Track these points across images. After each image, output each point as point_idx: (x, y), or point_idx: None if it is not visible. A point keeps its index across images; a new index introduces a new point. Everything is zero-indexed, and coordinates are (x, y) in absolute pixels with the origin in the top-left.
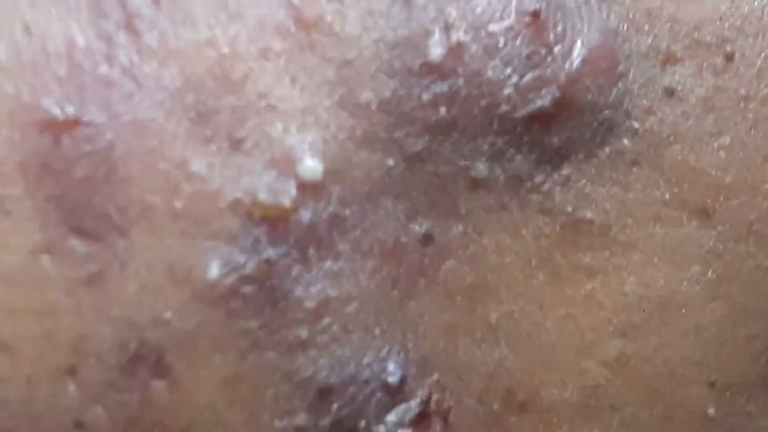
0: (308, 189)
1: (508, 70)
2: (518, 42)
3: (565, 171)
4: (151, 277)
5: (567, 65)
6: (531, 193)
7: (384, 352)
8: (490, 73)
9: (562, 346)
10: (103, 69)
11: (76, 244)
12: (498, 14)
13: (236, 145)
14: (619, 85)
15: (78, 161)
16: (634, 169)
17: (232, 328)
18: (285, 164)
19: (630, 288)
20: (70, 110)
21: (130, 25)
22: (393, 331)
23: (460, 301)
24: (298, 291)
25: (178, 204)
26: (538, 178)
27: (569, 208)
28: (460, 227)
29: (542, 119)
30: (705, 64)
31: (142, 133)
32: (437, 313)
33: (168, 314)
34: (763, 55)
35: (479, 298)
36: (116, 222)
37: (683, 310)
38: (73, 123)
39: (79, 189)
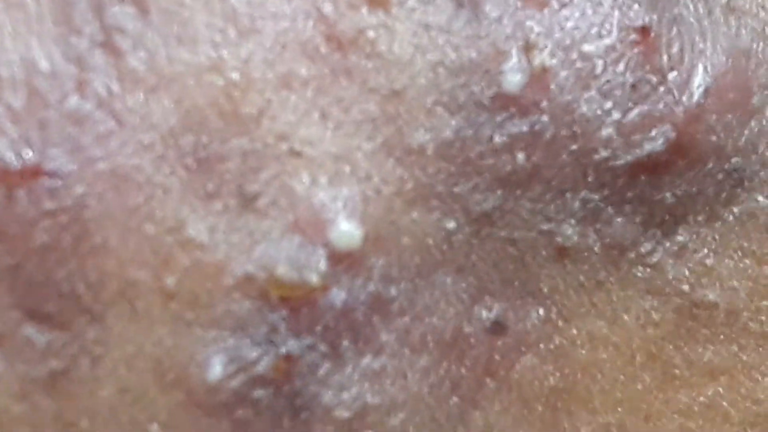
0: (342, 261)
1: (608, 105)
2: (621, 67)
3: (681, 238)
4: (133, 377)
5: (685, 98)
6: (635, 267)
7: None
8: (584, 108)
9: None
10: (73, 101)
11: (34, 332)
12: (595, 30)
13: (248, 202)
14: (753, 123)
15: (38, 223)
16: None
17: None
18: (312, 228)
19: (765, 394)
20: (29, 155)
21: (108, 43)
22: None
23: (541, 410)
24: (328, 397)
25: (170, 280)
26: (645, 247)
27: (686, 287)
28: (542, 312)
29: (652, 169)
30: None
31: (122, 187)
32: (510, 426)
33: (154, 427)
34: None
35: (566, 407)
36: (87, 304)
37: None
38: (32, 172)
39: (39, 260)
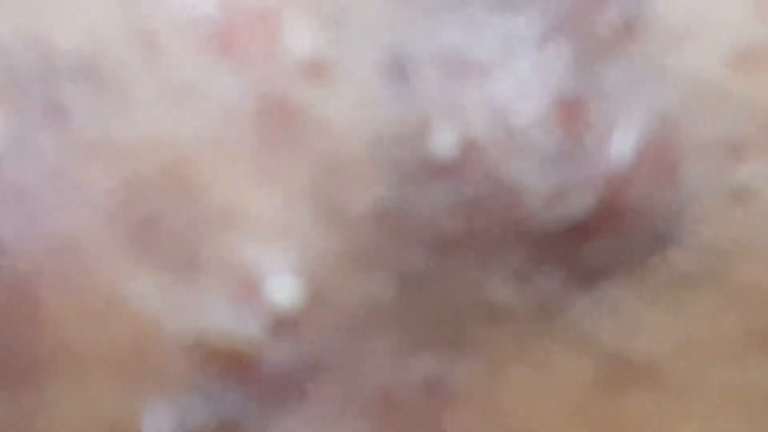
0: (281, 323)
1: (531, 172)
2: (546, 134)
3: (605, 294)
4: None
5: (606, 163)
6: (560, 323)
7: None
8: (509, 175)
9: None
10: (18, 171)
11: None
12: (521, 102)
13: (190, 267)
14: (676, 186)
15: None
16: (694, 293)
17: None
18: (252, 291)
19: None
20: None
21: (56, 115)
22: None
23: None
24: None
25: (113, 345)
26: (569, 304)
27: (609, 342)
28: (474, 370)
29: (576, 232)
30: None
31: (65, 254)
32: None
33: None
34: None
35: None
36: (29, 370)
37: None
38: None
39: None
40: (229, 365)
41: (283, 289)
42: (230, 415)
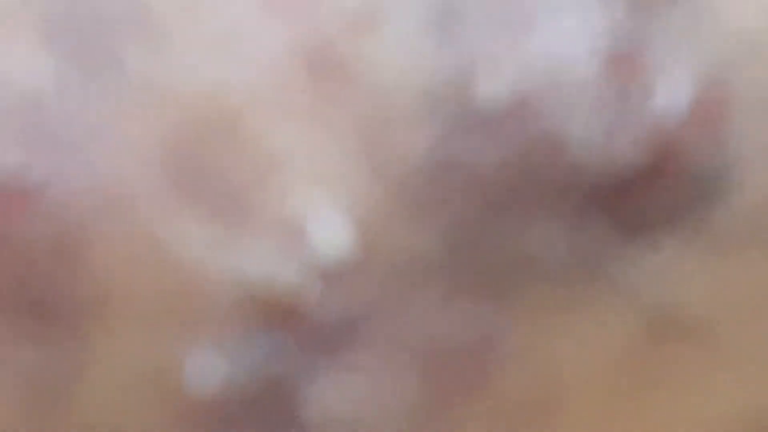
0: (330, 274)
1: (582, 125)
2: (595, 86)
3: (652, 252)
4: (118, 390)
5: (657, 118)
6: (606, 282)
7: None
8: (558, 128)
9: None
10: (68, 116)
11: (11, 346)
12: (570, 50)
13: (240, 219)
14: (725, 143)
15: (13, 231)
16: (737, 252)
17: None
18: (300, 240)
19: (741, 407)
20: (26, 177)
21: (110, 62)
22: None
23: (519, 423)
24: (315, 413)
25: (155, 294)
26: (618, 262)
27: (656, 300)
28: (520, 324)
29: (624, 187)
30: None
31: (111, 203)
32: None
33: None
34: None
35: (544, 419)
36: (68, 317)
37: None
38: (26, 195)
39: (14, 270)
40: (276, 314)
41: (332, 238)
42: (276, 366)
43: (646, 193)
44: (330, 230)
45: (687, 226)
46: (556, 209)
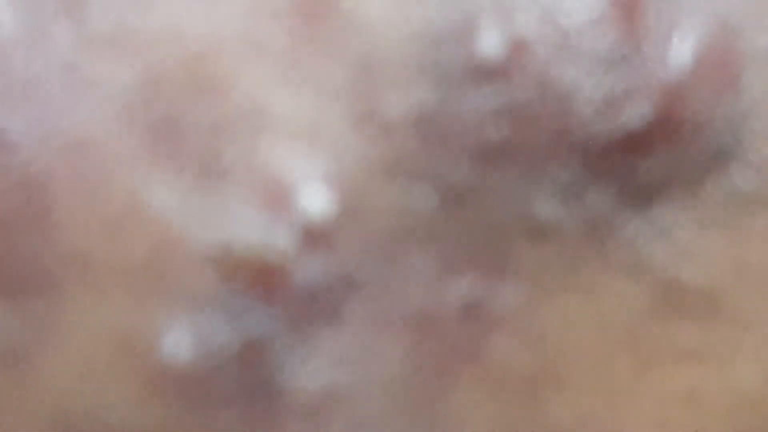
0: (313, 235)
1: (586, 78)
2: (600, 37)
3: (659, 215)
4: (90, 356)
5: (666, 71)
6: (611, 245)
7: None
8: (561, 80)
9: None
10: (31, 65)
11: None
12: (574, 0)
13: (214, 173)
14: (738, 100)
15: None
16: (754, 215)
17: (203, 429)
18: (282, 201)
19: (746, 381)
20: None
21: (71, 5)
22: None
23: (517, 395)
24: (295, 380)
25: (131, 255)
26: (622, 225)
27: (662, 267)
28: (516, 292)
29: (630, 144)
30: None
31: (81, 156)
32: (482, 411)
33: (111, 410)
34: None
35: (540, 392)
36: (41, 278)
37: None
38: None
39: None
40: (255, 280)
41: (314, 198)
42: (255, 334)
43: (654, 153)
44: (312, 189)
45: (699, 189)
46: (557, 169)
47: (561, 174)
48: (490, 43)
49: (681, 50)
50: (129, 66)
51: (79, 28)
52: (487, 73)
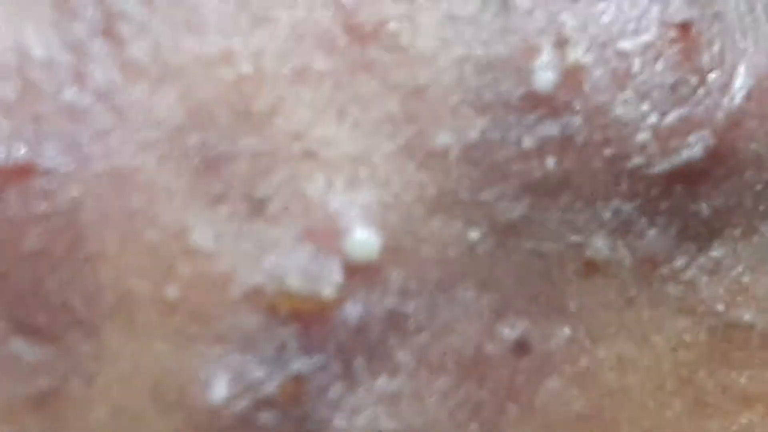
0: (358, 273)
1: (645, 107)
2: (659, 66)
3: (716, 253)
4: (129, 397)
5: (726, 101)
6: (668, 284)
7: None
8: (619, 110)
9: None
10: (70, 93)
11: (22, 346)
12: (632, 25)
13: (257, 207)
14: None
15: (28, 226)
16: None
17: None
18: (326, 237)
19: None
20: (20, 152)
21: (110, 30)
22: None
23: None
24: (339, 420)
25: (172, 291)
26: (679, 263)
27: (720, 307)
28: (568, 331)
29: (688, 177)
30: None
31: (122, 188)
32: None
33: None
34: None
35: None
36: (80, 316)
37: None
38: (24, 171)
39: (29, 267)
40: (298, 316)
41: (359, 235)
42: (298, 373)
43: (713, 187)
44: (356, 225)
45: (758, 226)
46: (613, 204)
47: (616, 208)
48: (544, 70)
49: (741, 81)
50: (167, 92)
51: (119, 53)
52: (539, 102)
